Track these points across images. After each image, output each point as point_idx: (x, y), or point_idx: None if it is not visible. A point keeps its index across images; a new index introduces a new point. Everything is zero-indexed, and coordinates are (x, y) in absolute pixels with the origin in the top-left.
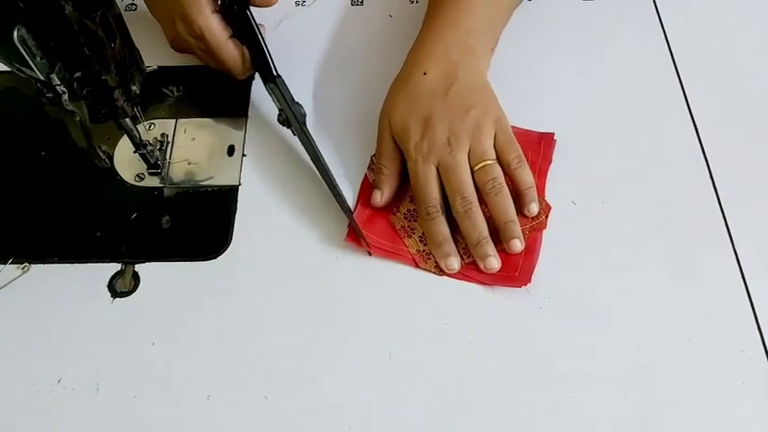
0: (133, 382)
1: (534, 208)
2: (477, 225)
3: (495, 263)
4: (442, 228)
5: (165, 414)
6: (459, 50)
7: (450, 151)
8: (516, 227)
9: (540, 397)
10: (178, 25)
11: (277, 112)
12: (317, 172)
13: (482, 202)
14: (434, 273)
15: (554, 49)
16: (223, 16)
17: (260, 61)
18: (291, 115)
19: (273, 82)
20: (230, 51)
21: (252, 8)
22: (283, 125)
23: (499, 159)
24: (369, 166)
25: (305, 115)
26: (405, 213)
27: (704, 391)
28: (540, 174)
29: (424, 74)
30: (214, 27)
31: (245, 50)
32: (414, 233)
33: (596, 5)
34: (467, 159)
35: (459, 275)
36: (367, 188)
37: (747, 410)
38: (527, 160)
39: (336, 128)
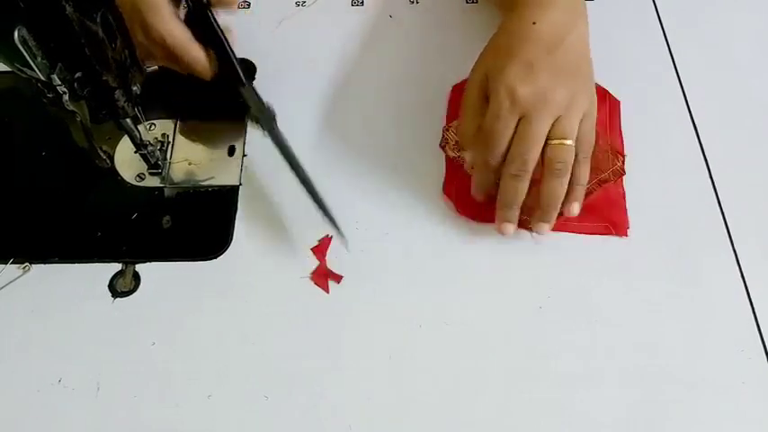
0: (133, 382)
1: (576, 208)
2: (519, 192)
3: (510, 230)
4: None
5: (165, 414)
6: (571, 11)
7: (538, 110)
8: (552, 216)
9: (540, 397)
10: (137, 34)
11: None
12: (294, 173)
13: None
14: (532, 225)
15: None
16: (185, 22)
17: (227, 68)
18: (264, 120)
19: (243, 87)
20: (194, 53)
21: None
22: (254, 122)
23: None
24: (444, 140)
25: (275, 114)
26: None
27: (704, 391)
28: (612, 129)
29: (534, 23)
30: (175, 31)
31: (210, 50)
32: None
33: (596, 5)
34: (549, 127)
35: (563, 227)
36: (449, 163)
37: (747, 410)
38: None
39: (336, 127)
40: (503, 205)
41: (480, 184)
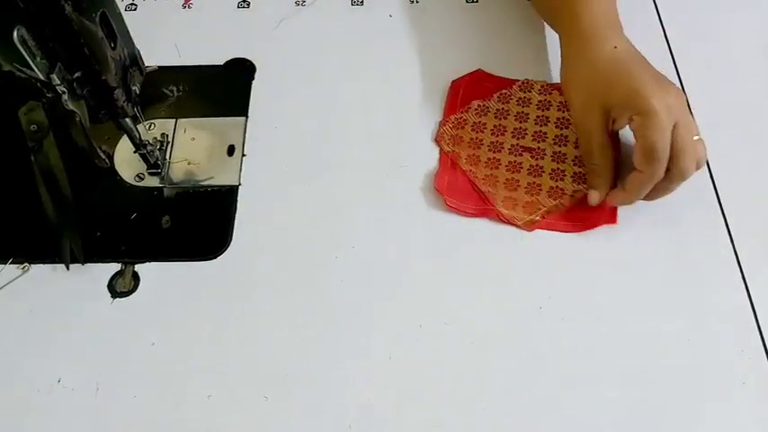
0: (133, 382)
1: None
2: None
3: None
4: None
5: (165, 414)
6: (623, 37)
7: (685, 113)
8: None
9: (540, 397)
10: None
11: None
12: None
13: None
14: (519, 222)
15: (554, 49)
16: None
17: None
18: None
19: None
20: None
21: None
22: None
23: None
24: (439, 134)
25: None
26: (486, 162)
27: (704, 392)
28: None
29: (615, 47)
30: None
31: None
32: (498, 181)
33: None
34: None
35: (550, 225)
36: (443, 156)
37: (747, 410)
38: None
39: (336, 126)
40: (633, 198)
41: (638, 195)
